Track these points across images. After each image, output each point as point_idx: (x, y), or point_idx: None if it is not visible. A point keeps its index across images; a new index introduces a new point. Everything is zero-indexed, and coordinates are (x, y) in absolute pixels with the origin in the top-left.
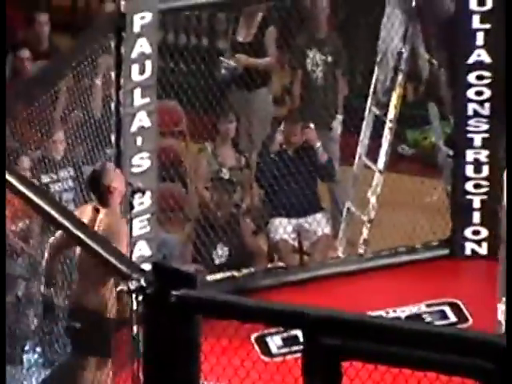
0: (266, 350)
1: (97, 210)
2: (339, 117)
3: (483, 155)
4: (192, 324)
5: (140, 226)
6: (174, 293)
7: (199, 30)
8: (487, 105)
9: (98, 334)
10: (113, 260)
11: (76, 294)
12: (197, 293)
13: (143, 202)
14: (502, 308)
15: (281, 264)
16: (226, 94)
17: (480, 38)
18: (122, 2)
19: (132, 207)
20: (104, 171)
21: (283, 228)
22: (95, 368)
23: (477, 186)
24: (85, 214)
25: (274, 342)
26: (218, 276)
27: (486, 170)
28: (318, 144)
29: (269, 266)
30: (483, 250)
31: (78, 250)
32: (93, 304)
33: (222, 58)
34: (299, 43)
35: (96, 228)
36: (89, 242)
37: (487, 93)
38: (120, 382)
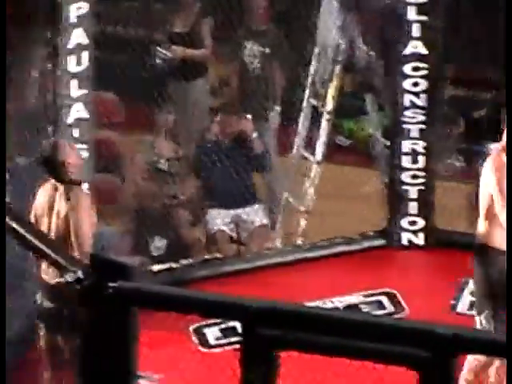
0: (204, 341)
1: (55, 188)
2: (277, 108)
3: (420, 146)
4: (129, 316)
5: None
6: (110, 284)
7: (136, 21)
8: (423, 96)
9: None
10: (50, 253)
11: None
12: (133, 284)
13: None
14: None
15: (218, 255)
16: (163, 85)
17: (416, 30)
18: None
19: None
20: (57, 147)
21: (220, 219)
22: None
23: (413, 177)
24: (45, 192)
25: (212, 333)
26: (156, 268)
27: (422, 161)
28: (254, 135)
29: (206, 256)
30: (420, 240)
31: None
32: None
33: (158, 48)
34: (236, 34)
35: (56, 205)
36: (26, 234)
37: (423, 84)
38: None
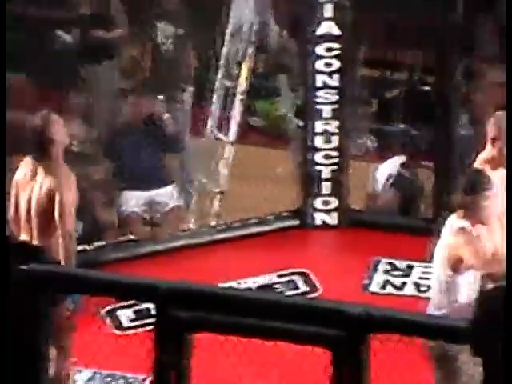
0: (117, 323)
1: (37, 163)
2: (190, 89)
3: (333, 126)
4: (41, 298)
5: None
6: (21, 267)
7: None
8: (336, 76)
9: None
10: None
11: None
12: (45, 267)
13: None
14: None
15: (132, 237)
16: (73, 67)
17: (328, 11)
18: None
19: None
20: (48, 122)
21: (133, 201)
22: None
23: (326, 157)
24: (27, 166)
25: (126, 316)
26: None
27: (335, 141)
28: (166, 116)
29: (120, 239)
30: (333, 220)
31: None
32: None
33: (58, 32)
34: (148, 15)
35: (38, 179)
36: None
37: (336, 64)
38: None
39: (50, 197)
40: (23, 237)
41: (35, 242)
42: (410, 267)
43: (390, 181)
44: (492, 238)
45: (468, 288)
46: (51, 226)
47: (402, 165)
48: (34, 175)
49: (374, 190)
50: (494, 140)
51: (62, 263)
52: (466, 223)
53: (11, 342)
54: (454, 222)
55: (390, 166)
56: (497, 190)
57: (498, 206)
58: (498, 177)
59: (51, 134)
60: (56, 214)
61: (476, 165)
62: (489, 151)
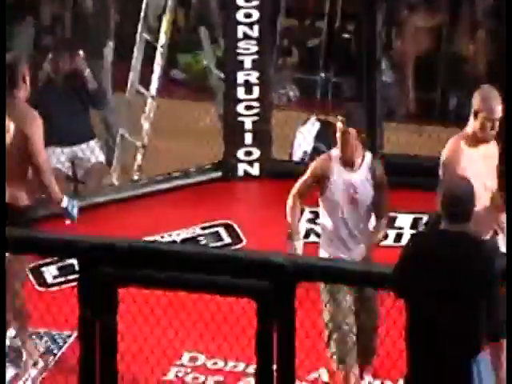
0: (41, 280)
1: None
2: (110, 44)
3: (253, 76)
4: None
5: None
6: None
7: None
8: (256, 27)
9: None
10: None
11: None
12: None
13: None
14: None
15: None
16: None
17: None
18: None
19: None
20: (22, 60)
21: (55, 157)
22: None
23: (248, 108)
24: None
25: (50, 272)
26: None
27: (256, 92)
28: (87, 71)
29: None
30: (255, 170)
31: None
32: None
33: None
34: None
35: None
36: None
37: (256, 15)
38: None
39: (22, 136)
40: None
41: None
42: None
43: (307, 157)
44: None
45: None
46: (25, 164)
47: (317, 136)
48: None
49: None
50: (476, 113)
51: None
52: None
53: None
54: None
55: (306, 139)
56: (476, 170)
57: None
58: (480, 153)
59: (23, 71)
60: (30, 150)
61: (453, 142)
62: (471, 125)
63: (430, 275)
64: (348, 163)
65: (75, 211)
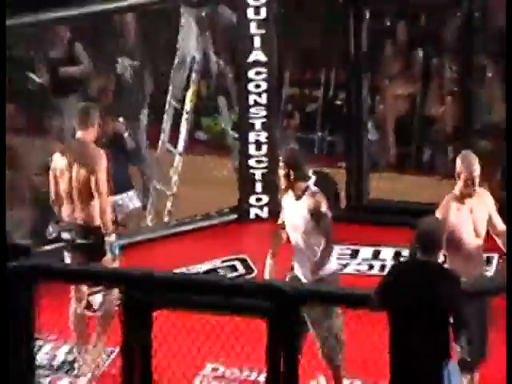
0: (88, 305)
1: (71, 154)
2: (145, 110)
3: (263, 136)
4: (30, 286)
5: None
6: (13, 263)
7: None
8: (264, 95)
9: None
10: None
11: None
12: (32, 262)
13: None
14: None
15: None
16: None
17: (257, 41)
18: None
19: None
20: (95, 108)
21: None
22: None
23: (258, 162)
24: (62, 156)
25: (96, 299)
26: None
27: (265, 149)
28: (126, 134)
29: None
30: (265, 213)
31: None
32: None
33: (30, 75)
34: (109, 52)
35: (75, 168)
36: None
37: (264, 86)
38: None
39: (88, 178)
40: (66, 209)
41: (78, 213)
42: None
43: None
44: None
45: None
46: (90, 199)
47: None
48: (69, 166)
49: None
50: (459, 174)
51: (101, 224)
52: None
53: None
54: None
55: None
56: (464, 221)
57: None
58: (467, 207)
59: (94, 117)
60: (95, 195)
61: (445, 201)
62: (457, 186)
63: (405, 295)
64: (295, 195)
65: (116, 250)
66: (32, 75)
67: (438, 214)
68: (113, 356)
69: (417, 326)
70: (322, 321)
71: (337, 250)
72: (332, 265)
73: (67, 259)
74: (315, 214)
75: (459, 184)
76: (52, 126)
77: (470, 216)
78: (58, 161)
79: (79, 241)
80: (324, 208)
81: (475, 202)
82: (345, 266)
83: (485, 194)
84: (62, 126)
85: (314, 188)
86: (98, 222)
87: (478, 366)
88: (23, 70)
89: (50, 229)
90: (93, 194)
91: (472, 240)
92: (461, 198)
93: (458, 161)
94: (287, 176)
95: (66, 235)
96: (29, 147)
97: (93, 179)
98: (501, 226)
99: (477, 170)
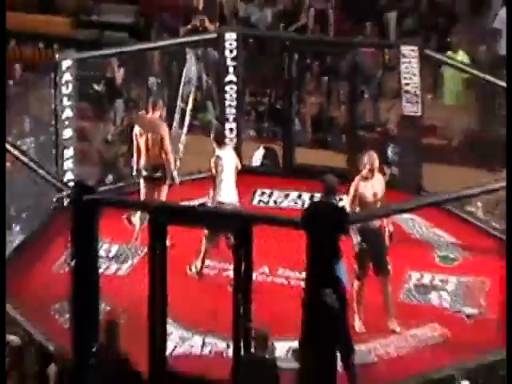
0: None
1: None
2: (164, 109)
3: (233, 125)
4: (95, 214)
5: None
6: (85, 197)
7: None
8: (234, 101)
9: None
10: (49, 178)
11: None
12: (96, 195)
13: None
14: None
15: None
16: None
17: (231, 69)
18: (56, 55)
19: None
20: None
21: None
22: None
23: (230, 140)
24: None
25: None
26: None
27: (234, 132)
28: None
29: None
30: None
31: None
32: None
33: (94, 86)
34: (143, 73)
35: (150, 131)
36: (33, 165)
37: (234, 95)
38: None
39: (161, 139)
40: (143, 156)
41: (151, 158)
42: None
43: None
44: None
45: None
46: (159, 151)
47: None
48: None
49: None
50: (365, 165)
51: (168, 169)
52: None
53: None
54: None
55: (260, 152)
56: (367, 190)
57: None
58: (370, 184)
59: (160, 101)
60: (164, 149)
61: (357, 180)
62: (364, 171)
63: (318, 217)
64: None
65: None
66: (95, 86)
67: (352, 187)
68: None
69: (321, 234)
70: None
71: (276, 194)
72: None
73: (142, 187)
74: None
75: (365, 171)
76: (107, 115)
77: (371, 188)
78: (138, 129)
79: (152, 174)
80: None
81: (374, 181)
82: (281, 203)
83: (379, 177)
84: (115, 115)
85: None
86: (163, 163)
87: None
88: (91, 82)
89: (109, 178)
90: (161, 146)
91: (371, 199)
92: (365, 179)
93: (365, 157)
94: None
95: (144, 173)
96: (94, 128)
97: (161, 139)
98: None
99: (376, 163)
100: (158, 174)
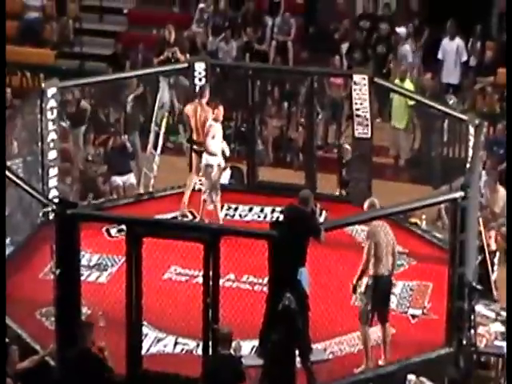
0: (108, 234)
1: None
2: (138, 131)
3: None
4: (77, 226)
5: None
6: (68, 211)
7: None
8: None
9: None
10: (36, 194)
11: None
12: (78, 209)
13: None
14: None
15: (115, 196)
16: None
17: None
18: (42, 84)
19: None
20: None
21: (116, 180)
22: None
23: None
24: (192, 106)
25: (114, 230)
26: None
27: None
28: (128, 144)
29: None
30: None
31: None
32: None
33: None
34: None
35: (198, 113)
36: (21, 183)
37: None
38: None
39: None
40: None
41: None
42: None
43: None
44: None
45: None
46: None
47: (232, 167)
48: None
49: None
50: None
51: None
52: None
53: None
54: None
55: (227, 172)
56: None
57: None
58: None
59: (206, 91)
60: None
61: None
62: None
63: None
64: None
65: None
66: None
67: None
68: (122, 260)
69: (288, 244)
70: None
71: (241, 208)
72: None
73: (193, 158)
74: None
75: None
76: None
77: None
78: (189, 110)
79: (200, 149)
80: None
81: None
82: (245, 216)
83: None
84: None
85: None
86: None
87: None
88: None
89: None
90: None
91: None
92: None
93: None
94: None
95: (195, 147)
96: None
97: (204, 120)
98: None
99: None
100: (202, 149)
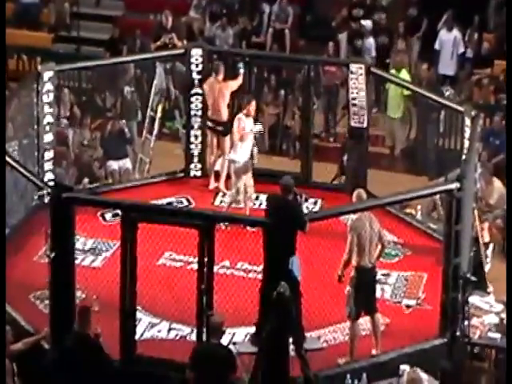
0: (103, 218)
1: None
2: (136, 116)
3: (198, 132)
4: (72, 209)
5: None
6: (63, 194)
7: None
8: (200, 111)
9: None
10: (31, 177)
11: None
12: (73, 193)
13: None
14: None
15: (110, 181)
16: None
17: (196, 82)
18: (39, 66)
19: None
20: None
21: (112, 165)
22: None
23: (195, 146)
24: (210, 81)
25: (109, 215)
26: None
27: (199, 139)
28: (126, 129)
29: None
30: (198, 173)
31: None
32: None
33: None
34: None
35: (216, 88)
36: (17, 166)
37: (199, 105)
38: None
39: (221, 95)
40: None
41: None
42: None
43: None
44: None
45: None
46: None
47: None
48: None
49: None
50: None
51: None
52: None
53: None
54: None
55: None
56: None
57: None
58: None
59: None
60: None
61: None
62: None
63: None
64: None
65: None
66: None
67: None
68: (117, 245)
69: (275, 233)
70: None
71: None
72: None
73: (209, 136)
74: None
75: None
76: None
77: None
78: (206, 87)
79: (215, 126)
80: None
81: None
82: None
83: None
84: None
85: None
86: (224, 119)
87: None
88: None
89: (85, 180)
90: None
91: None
92: None
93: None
94: None
95: (209, 124)
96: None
97: (221, 97)
98: None
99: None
100: (220, 128)
